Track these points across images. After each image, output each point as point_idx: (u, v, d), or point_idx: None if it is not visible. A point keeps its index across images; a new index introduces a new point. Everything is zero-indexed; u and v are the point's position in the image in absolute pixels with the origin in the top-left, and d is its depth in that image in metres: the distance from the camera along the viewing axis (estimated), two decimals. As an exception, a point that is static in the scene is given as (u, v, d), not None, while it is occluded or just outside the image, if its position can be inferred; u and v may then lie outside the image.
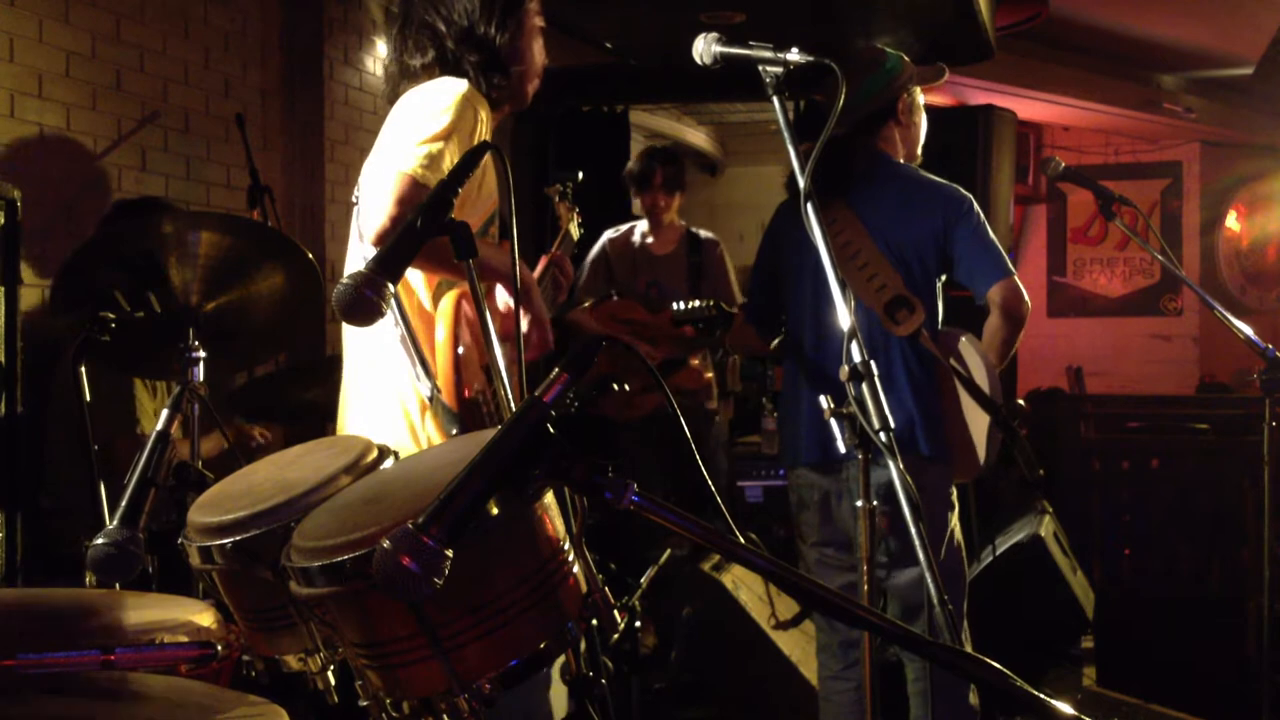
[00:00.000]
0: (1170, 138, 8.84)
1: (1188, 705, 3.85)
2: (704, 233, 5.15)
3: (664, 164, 4.98)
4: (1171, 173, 9.06)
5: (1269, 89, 7.26)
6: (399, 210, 2.11)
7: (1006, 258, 3.06)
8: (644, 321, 4.75)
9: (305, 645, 1.57)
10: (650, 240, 5.06)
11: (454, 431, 2.02)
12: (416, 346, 2.14)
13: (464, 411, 2.15)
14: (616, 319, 4.81)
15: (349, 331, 2.39)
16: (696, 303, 4.54)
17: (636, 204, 5.05)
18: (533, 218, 6.19)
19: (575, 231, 3.16)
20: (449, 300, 2.24)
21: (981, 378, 2.92)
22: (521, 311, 2.02)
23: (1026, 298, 3.03)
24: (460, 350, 2.19)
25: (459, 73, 2.36)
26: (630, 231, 5.11)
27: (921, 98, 3.28)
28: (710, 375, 4.95)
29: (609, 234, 5.13)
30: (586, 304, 4.88)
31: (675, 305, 4.60)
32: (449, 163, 2.16)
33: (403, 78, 2.42)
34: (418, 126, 2.20)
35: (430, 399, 2.08)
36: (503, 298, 2.36)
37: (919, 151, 3.29)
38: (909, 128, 3.23)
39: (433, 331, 2.23)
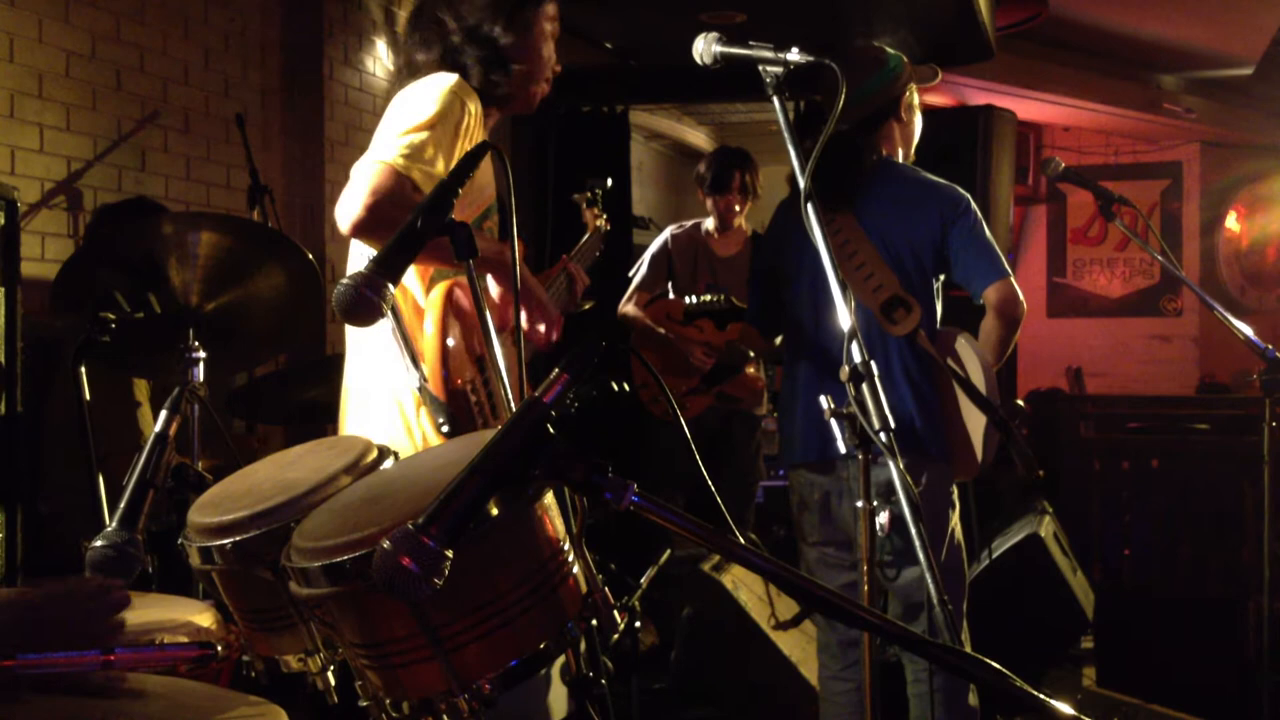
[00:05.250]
0: (1170, 138, 8.84)
1: (1188, 705, 3.85)
2: None
3: (743, 169, 4.94)
4: (1171, 173, 9.07)
5: (1269, 89, 7.27)
6: (373, 199, 2.11)
7: (1003, 258, 3.05)
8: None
9: (305, 645, 1.57)
10: (715, 241, 5.02)
11: (441, 421, 2.01)
12: (407, 339, 2.14)
13: (452, 402, 2.14)
14: (671, 318, 4.80)
15: (351, 331, 2.39)
16: (708, 296, 4.53)
17: (708, 204, 5.00)
18: (531, 217, 6.19)
19: (601, 237, 3.16)
20: (438, 291, 2.24)
21: (978, 377, 2.92)
22: (521, 307, 2.02)
23: (1022, 299, 3.03)
24: (450, 342, 2.19)
25: (459, 68, 2.36)
26: (695, 229, 5.05)
27: (917, 98, 3.28)
28: (764, 382, 4.91)
29: (672, 229, 5.09)
30: (634, 299, 4.85)
31: (688, 299, 4.59)
32: (432, 151, 2.16)
33: (408, 72, 2.42)
34: (402, 118, 2.21)
35: (419, 389, 2.08)
36: (492, 285, 2.36)
37: (913, 151, 3.30)
38: (908, 125, 3.24)
39: (424, 324, 2.23)
